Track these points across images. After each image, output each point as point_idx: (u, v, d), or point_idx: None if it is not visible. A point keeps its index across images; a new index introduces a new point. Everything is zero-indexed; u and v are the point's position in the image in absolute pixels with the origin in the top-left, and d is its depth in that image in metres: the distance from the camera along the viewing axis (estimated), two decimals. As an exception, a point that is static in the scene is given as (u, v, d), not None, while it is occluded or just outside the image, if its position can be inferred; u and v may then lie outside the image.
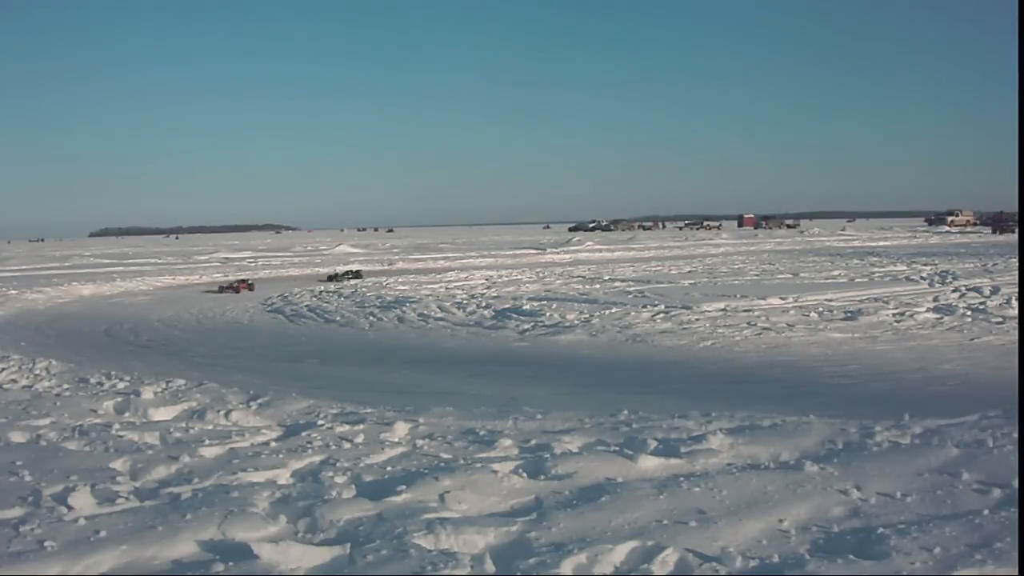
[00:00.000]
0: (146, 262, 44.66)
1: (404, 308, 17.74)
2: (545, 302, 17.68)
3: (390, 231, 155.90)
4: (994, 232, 63.91)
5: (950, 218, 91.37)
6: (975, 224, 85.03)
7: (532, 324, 14.83)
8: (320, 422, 6.70)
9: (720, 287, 20.02)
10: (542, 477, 4.99)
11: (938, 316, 14.25)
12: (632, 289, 20.23)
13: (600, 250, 48.97)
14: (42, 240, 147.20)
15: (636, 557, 3.72)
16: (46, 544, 3.94)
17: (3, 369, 9.89)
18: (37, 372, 9.63)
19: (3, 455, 5.70)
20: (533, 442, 5.85)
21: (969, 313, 14.41)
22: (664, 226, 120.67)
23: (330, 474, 5.12)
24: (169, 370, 10.78)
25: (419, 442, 5.97)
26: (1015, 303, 14.91)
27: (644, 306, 16.13)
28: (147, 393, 8.03)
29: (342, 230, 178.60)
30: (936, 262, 27.89)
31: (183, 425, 6.77)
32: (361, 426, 6.43)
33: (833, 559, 3.58)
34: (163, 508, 4.50)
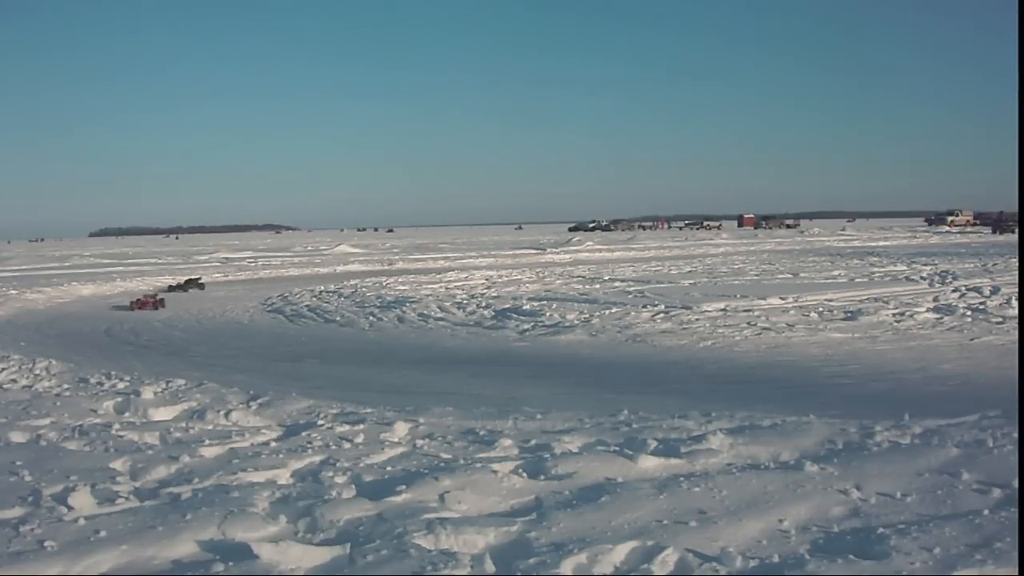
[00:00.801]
0: (146, 262, 44.66)
1: (404, 308, 17.74)
2: (545, 302, 17.68)
3: (390, 231, 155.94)
4: (994, 232, 63.92)
5: (950, 218, 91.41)
6: (975, 224, 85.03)
7: (532, 324, 14.83)
8: (320, 422, 6.70)
9: (720, 287, 20.02)
10: (542, 477, 5.00)
11: (938, 316, 14.24)
12: (632, 289, 20.23)
13: (600, 250, 48.98)
14: (42, 240, 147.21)
15: (636, 557, 3.72)
16: (46, 544, 3.94)
17: (3, 369, 9.89)
18: (37, 372, 9.63)
19: (3, 455, 5.70)
20: (533, 442, 5.85)
21: (969, 313, 14.40)
22: (669, 226, 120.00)
23: (330, 474, 5.12)
24: (169, 370, 10.78)
25: (419, 442, 5.98)
26: (1015, 303, 14.91)
27: (644, 306, 16.13)
28: (147, 393, 8.03)
29: (342, 230, 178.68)
30: (936, 262, 27.89)
31: (183, 425, 6.77)
32: (361, 426, 6.43)
33: (833, 559, 3.58)
34: (163, 508, 4.50)
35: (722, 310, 15.49)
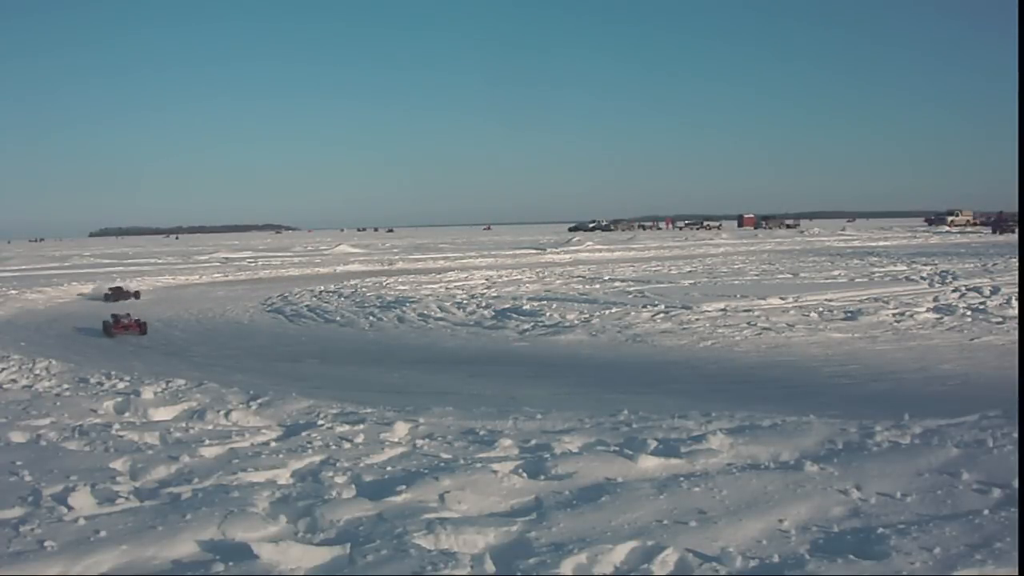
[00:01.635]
0: (146, 262, 44.65)
1: (404, 308, 17.74)
2: (545, 302, 17.69)
3: (390, 231, 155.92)
4: (994, 232, 63.91)
5: (950, 218, 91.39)
6: (975, 224, 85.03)
7: (532, 324, 14.83)
8: (320, 422, 6.70)
9: (720, 287, 20.02)
10: (542, 477, 5.00)
11: (938, 316, 14.25)
12: (632, 289, 20.23)
13: (600, 250, 48.97)
14: (42, 240, 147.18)
15: (636, 557, 3.72)
16: (46, 544, 3.94)
17: (3, 369, 9.89)
18: (37, 372, 9.64)
19: (3, 455, 5.70)
20: (533, 442, 5.86)
21: (969, 313, 14.41)
22: (674, 226, 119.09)
23: (330, 474, 5.12)
24: (169, 370, 10.78)
25: (419, 442, 5.98)
26: (1015, 303, 14.91)
27: (644, 306, 16.13)
28: (147, 393, 8.03)
29: (342, 230, 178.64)
30: (936, 262, 27.89)
31: (183, 425, 6.77)
32: (361, 426, 6.43)
33: (833, 559, 3.58)
34: (163, 508, 4.50)
35: (722, 310, 15.49)
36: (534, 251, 49.74)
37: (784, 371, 10.39)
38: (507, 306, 17.08)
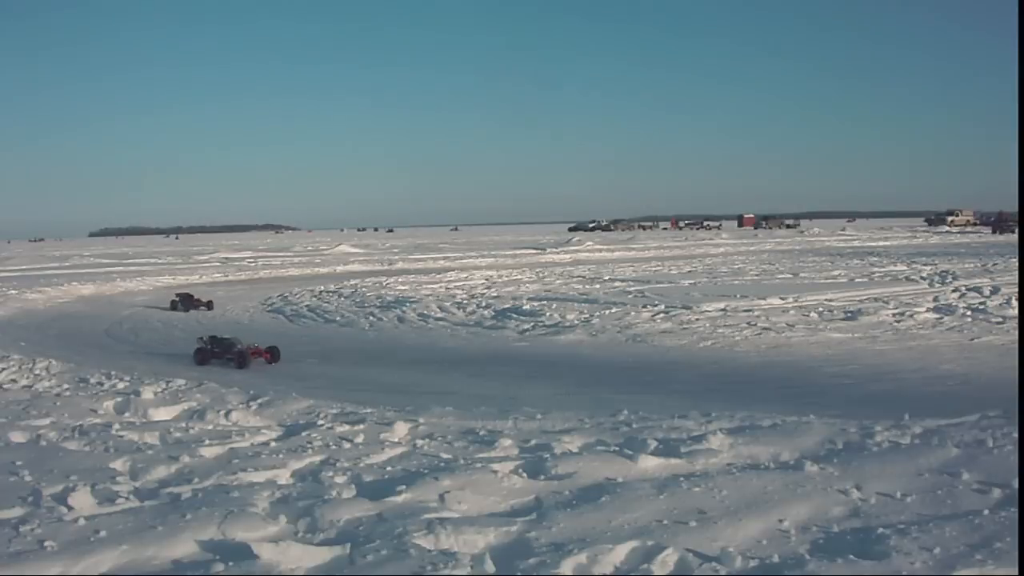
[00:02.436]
0: (146, 262, 44.66)
1: (404, 308, 17.74)
2: (545, 302, 17.68)
3: (390, 231, 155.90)
4: (994, 232, 63.90)
5: (950, 218, 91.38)
6: (975, 224, 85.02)
7: (532, 324, 14.83)
8: (320, 422, 6.70)
9: (720, 287, 20.02)
10: (542, 477, 5.00)
11: (938, 316, 14.25)
12: (632, 289, 20.23)
13: (600, 250, 48.98)
14: (42, 240, 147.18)
15: (636, 557, 3.72)
16: (46, 544, 3.94)
17: (3, 369, 9.90)
18: (37, 372, 9.64)
19: (3, 455, 5.70)
20: (533, 442, 5.85)
21: (969, 313, 14.41)
22: (677, 226, 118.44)
23: (330, 474, 5.12)
24: (169, 370, 10.77)
25: (419, 442, 5.98)
26: (1015, 303, 14.91)
27: (644, 306, 16.13)
28: (147, 393, 8.03)
29: (342, 230, 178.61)
30: (936, 262, 27.89)
31: (183, 425, 6.77)
32: (361, 426, 6.43)
33: (833, 559, 3.58)
34: (163, 508, 4.50)
35: (722, 310, 15.49)
36: (534, 251, 49.74)
37: (784, 371, 10.39)
38: (507, 306, 17.08)
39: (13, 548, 3.91)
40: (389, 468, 5.28)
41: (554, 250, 49.96)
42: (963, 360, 10.71)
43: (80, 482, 4.91)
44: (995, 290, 17.36)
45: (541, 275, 27.03)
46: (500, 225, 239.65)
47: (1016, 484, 4.39)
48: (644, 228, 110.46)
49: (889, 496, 4.41)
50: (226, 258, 48.85)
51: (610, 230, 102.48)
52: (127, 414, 7.38)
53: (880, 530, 3.91)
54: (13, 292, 24.50)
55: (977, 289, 17.83)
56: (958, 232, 69.45)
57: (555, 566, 3.60)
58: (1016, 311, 14.12)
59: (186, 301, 21.02)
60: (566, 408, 7.26)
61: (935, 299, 16.46)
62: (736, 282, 21.56)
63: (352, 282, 26.14)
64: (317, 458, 5.57)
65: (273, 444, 6.11)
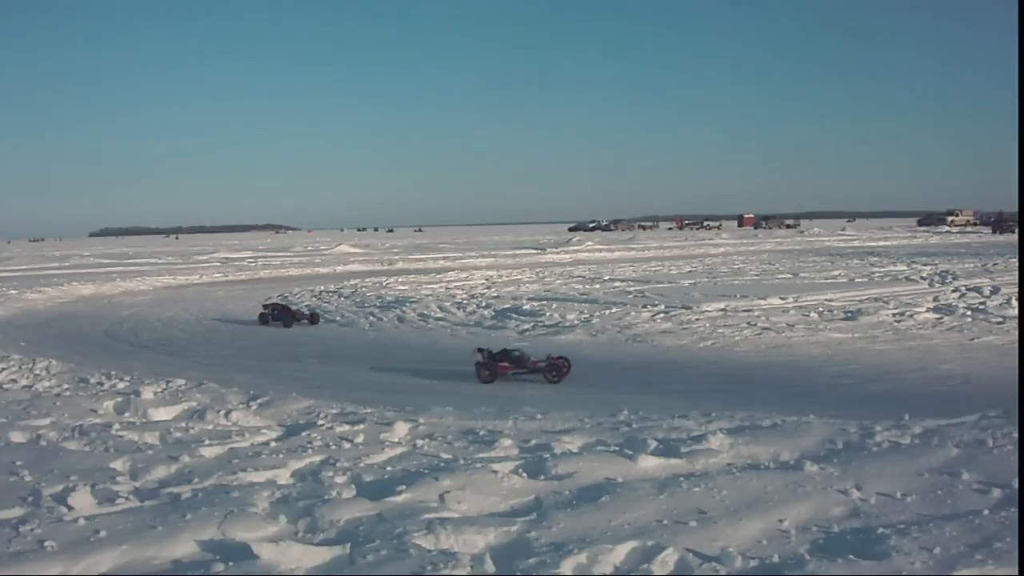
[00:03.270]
0: (146, 262, 44.66)
1: (404, 308, 17.74)
2: (545, 302, 17.68)
3: (390, 231, 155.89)
4: (994, 232, 63.90)
5: (950, 218, 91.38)
6: (975, 224, 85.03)
7: (532, 324, 14.84)
8: (320, 422, 6.70)
9: (720, 287, 20.02)
10: (542, 477, 5.00)
11: (938, 316, 14.25)
12: (632, 289, 20.23)
13: (600, 250, 48.96)
14: (42, 240, 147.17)
15: (636, 557, 3.72)
16: (46, 544, 3.94)
17: (3, 369, 9.89)
18: (37, 372, 9.63)
19: (3, 455, 5.70)
20: (533, 442, 5.86)
21: (969, 313, 14.41)
22: (681, 225, 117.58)
23: (330, 474, 5.12)
24: (169, 370, 10.77)
25: (419, 442, 5.98)
26: (1015, 303, 14.91)
27: (644, 306, 16.13)
28: (147, 393, 8.02)
29: (342, 230, 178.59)
30: (936, 262, 27.89)
31: (183, 425, 6.77)
32: (361, 426, 6.43)
33: (833, 559, 3.58)
34: (163, 508, 4.50)
35: (722, 310, 15.49)
36: (534, 251, 49.74)
37: (784, 371, 10.39)
38: (507, 306, 17.08)
39: (13, 548, 3.91)
40: (389, 468, 5.28)
41: (554, 250, 49.95)
42: (963, 360, 10.72)
43: (80, 482, 4.92)
44: (995, 290, 17.35)
45: (541, 275, 27.03)
46: (500, 225, 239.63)
47: (1016, 484, 4.39)
48: (644, 228, 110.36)
49: (889, 496, 4.41)
50: (226, 258, 48.84)
51: (610, 230, 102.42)
52: (127, 414, 7.38)
53: (880, 530, 3.91)
54: (13, 292, 24.49)
55: (977, 289, 17.83)
56: (958, 232, 69.45)
57: (555, 566, 3.60)
58: (1016, 311, 14.12)
59: (283, 314, 16.54)
60: (566, 408, 7.26)
61: (935, 299, 16.46)
62: (736, 282, 21.56)
63: (352, 282, 26.14)
64: (317, 458, 5.57)
65: (273, 444, 6.11)
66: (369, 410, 7.20)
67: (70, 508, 4.48)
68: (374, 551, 3.77)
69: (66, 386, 8.68)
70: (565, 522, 4.14)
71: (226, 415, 7.15)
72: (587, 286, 21.88)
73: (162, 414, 7.35)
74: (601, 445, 5.70)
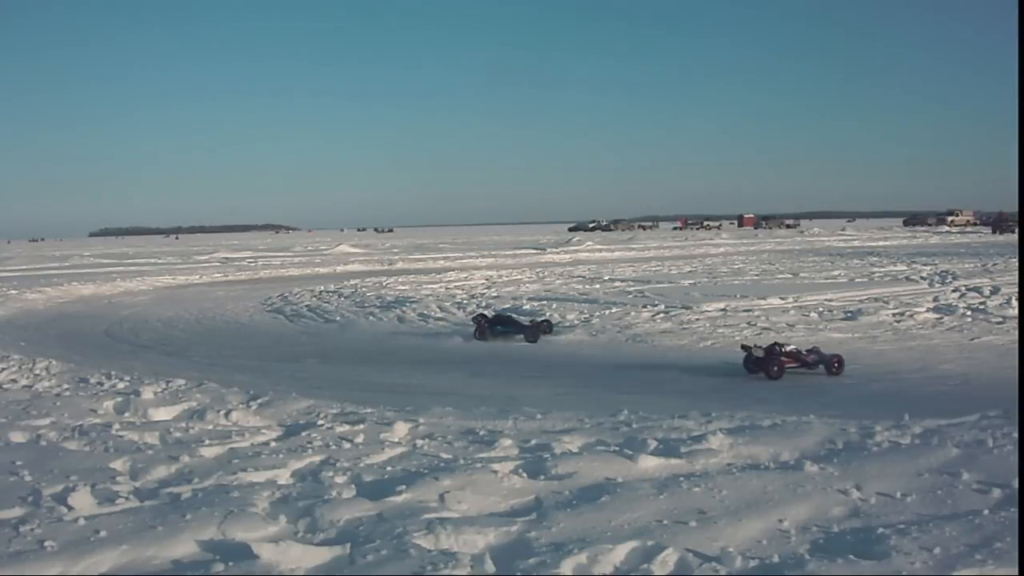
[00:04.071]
0: (146, 262, 44.67)
1: (404, 308, 17.74)
2: (545, 302, 17.70)
3: (390, 231, 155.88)
4: (994, 232, 63.91)
5: (950, 218, 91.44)
6: (975, 224, 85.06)
7: (532, 324, 14.82)
8: (320, 422, 6.70)
9: (720, 287, 20.03)
10: (542, 477, 4.99)
11: (938, 316, 14.25)
12: (632, 289, 20.23)
13: (600, 250, 48.96)
14: (42, 240, 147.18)
15: (636, 557, 3.72)
16: (46, 544, 3.94)
17: (3, 369, 9.89)
18: (37, 372, 9.63)
19: (3, 455, 5.70)
20: (533, 442, 5.85)
21: (969, 313, 14.41)
22: (686, 225, 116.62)
23: (330, 474, 5.12)
24: (169, 370, 10.77)
25: (419, 442, 5.97)
26: (1015, 303, 14.91)
27: (644, 306, 16.14)
28: (147, 393, 8.02)
29: (342, 230, 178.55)
30: (936, 262, 27.89)
31: (183, 425, 6.76)
32: (361, 426, 6.43)
33: (833, 559, 3.58)
34: (163, 508, 4.50)
35: (722, 310, 15.50)
36: (534, 251, 49.74)
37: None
38: (507, 306, 17.09)
39: (13, 548, 3.91)
40: (389, 468, 5.27)
41: (554, 250, 49.96)
42: (963, 360, 10.72)
43: (80, 482, 4.91)
44: (995, 290, 17.37)
45: (541, 275, 27.04)
46: (500, 225, 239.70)
47: (1016, 484, 4.39)
48: (644, 228, 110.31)
49: (889, 496, 4.41)
50: (226, 258, 48.85)
51: (610, 230, 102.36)
52: (127, 414, 7.38)
53: (880, 530, 3.91)
54: (13, 292, 24.50)
55: (977, 289, 17.84)
56: (958, 232, 69.46)
57: (555, 566, 3.60)
58: (1016, 311, 14.13)
59: (510, 324, 13.32)
60: (566, 408, 7.26)
61: (935, 299, 16.47)
62: (736, 282, 21.57)
63: (352, 282, 26.14)
64: (317, 458, 5.56)
65: (273, 444, 6.11)
66: (369, 410, 7.20)
67: (70, 508, 4.48)
68: (374, 551, 3.77)
69: (66, 386, 8.67)
70: (565, 522, 4.14)
71: (226, 415, 7.15)
72: (587, 286, 21.88)
73: (162, 414, 7.34)
74: (601, 445, 5.70)
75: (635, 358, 11.63)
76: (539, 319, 14.15)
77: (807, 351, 10.21)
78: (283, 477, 5.19)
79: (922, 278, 21.25)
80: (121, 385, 8.59)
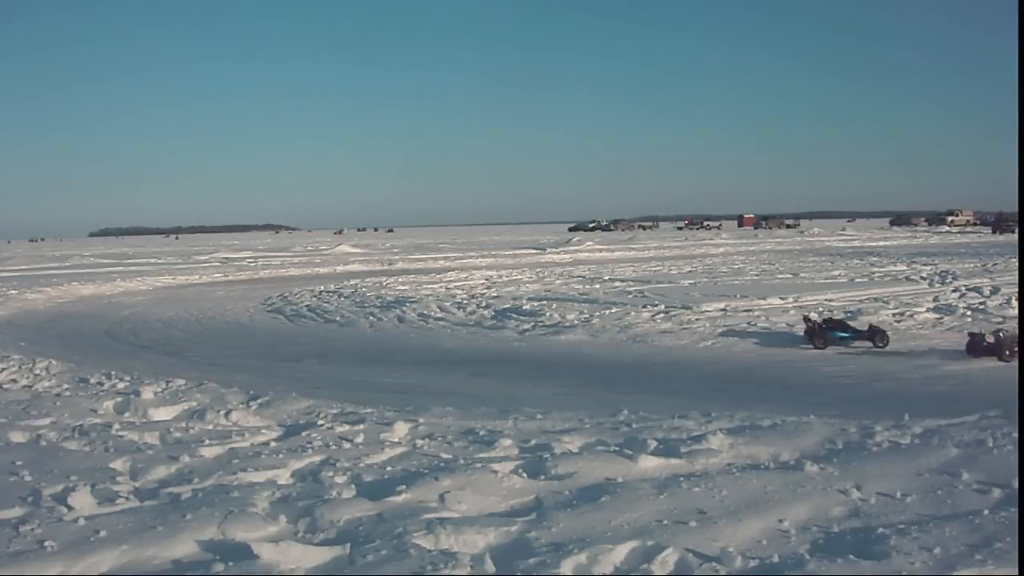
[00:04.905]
0: (146, 262, 44.65)
1: (404, 308, 17.74)
2: (545, 302, 17.68)
3: (390, 231, 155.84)
4: (994, 232, 63.91)
5: (950, 218, 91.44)
6: (975, 224, 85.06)
7: (532, 324, 14.84)
8: (320, 422, 6.70)
9: (720, 287, 20.02)
10: (542, 477, 4.99)
11: (938, 316, 14.25)
12: (632, 289, 20.23)
13: (600, 250, 48.95)
14: (42, 240, 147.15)
15: (636, 557, 3.71)
16: (46, 544, 3.94)
17: (3, 369, 9.89)
18: (37, 372, 9.63)
19: (3, 455, 5.70)
20: (533, 442, 5.85)
21: (969, 313, 14.41)
22: (684, 224, 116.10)
23: (330, 474, 5.12)
24: (169, 370, 10.77)
25: (419, 442, 5.97)
26: (1015, 303, 14.90)
27: (644, 306, 16.13)
28: (147, 393, 8.02)
29: (342, 231, 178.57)
30: (936, 262, 27.88)
31: (183, 425, 6.76)
32: (361, 426, 6.43)
33: (833, 559, 3.58)
34: (163, 508, 4.50)
35: (722, 310, 15.49)
36: (534, 251, 49.73)
37: (784, 371, 10.39)
38: (507, 306, 17.08)
39: (13, 548, 3.91)
40: (389, 468, 5.27)
41: (554, 250, 49.94)
42: (963, 360, 10.71)
43: (80, 482, 4.91)
44: (995, 290, 17.36)
45: (541, 275, 27.02)
46: (500, 225, 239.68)
47: (1016, 484, 4.39)
48: (644, 228, 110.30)
49: (889, 496, 4.41)
50: (226, 258, 48.84)
51: (610, 230, 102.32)
52: (127, 414, 7.38)
53: (880, 530, 3.91)
54: (13, 292, 24.50)
55: (977, 289, 17.83)
56: (958, 232, 69.46)
57: (555, 566, 3.60)
58: (1016, 311, 14.12)
59: (839, 327, 12.17)
60: (566, 408, 7.26)
61: (935, 299, 16.46)
62: (736, 282, 21.56)
63: (352, 282, 26.14)
64: (317, 458, 5.56)
65: (273, 444, 6.11)
66: (369, 410, 7.20)
67: (70, 508, 4.48)
68: (374, 551, 3.77)
69: (66, 386, 8.67)
70: (565, 522, 4.14)
71: (226, 415, 7.15)
72: (587, 286, 21.87)
73: (162, 414, 7.35)
74: (601, 445, 5.70)
75: (635, 358, 11.63)
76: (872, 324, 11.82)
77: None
78: (283, 477, 5.19)
79: (922, 278, 21.24)
80: (121, 385, 8.60)
